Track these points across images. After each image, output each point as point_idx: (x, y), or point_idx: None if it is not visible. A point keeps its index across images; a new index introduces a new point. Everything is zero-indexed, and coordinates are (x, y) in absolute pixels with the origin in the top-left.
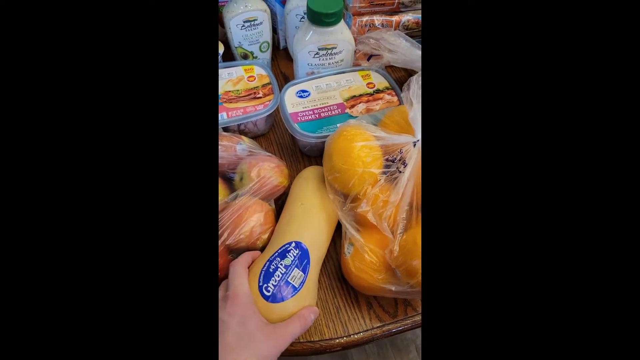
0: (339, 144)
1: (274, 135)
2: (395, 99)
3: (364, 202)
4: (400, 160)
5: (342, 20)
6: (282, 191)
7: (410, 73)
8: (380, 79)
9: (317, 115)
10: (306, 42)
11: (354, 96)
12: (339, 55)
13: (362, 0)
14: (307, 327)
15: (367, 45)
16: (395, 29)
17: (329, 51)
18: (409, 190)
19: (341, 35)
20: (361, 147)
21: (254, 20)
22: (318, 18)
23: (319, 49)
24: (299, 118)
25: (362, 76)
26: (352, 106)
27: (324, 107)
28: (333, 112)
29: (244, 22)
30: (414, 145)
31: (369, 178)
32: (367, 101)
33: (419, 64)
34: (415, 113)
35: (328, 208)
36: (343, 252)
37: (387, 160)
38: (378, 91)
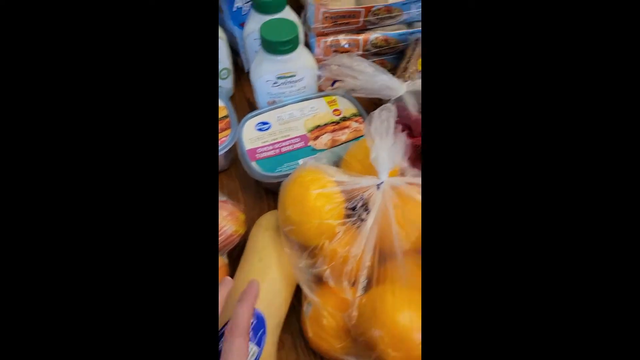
0: (293, 191)
1: (236, 170)
2: (363, 127)
3: (321, 259)
4: (362, 206)
5: (301, 45)
6: (237, 240)
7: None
8: (347, 104)
9: (277, 151)
10: (262, 72)
11: (319, 126)
12: (301, 83)
13: (324, 20)
14: None
15: (329, 70)
16: (363, 48)
17: (289, 79)
18: (372, 241)
19: (300, 62)
20: (318, 195)
21: None
22: (273, 47)
23: (278, 78)
24: (257, 155)
25: (327, 102)
26: (317, 137)
27: (285, 141)
28: (295, 146)
29: None
30: (378, 187)
31: (327, 231)
32: (333, 131)
33: (385, 92)
34: (377, 152)
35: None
36: (302, 310)
37: (347, 208)
38: (345, 119)
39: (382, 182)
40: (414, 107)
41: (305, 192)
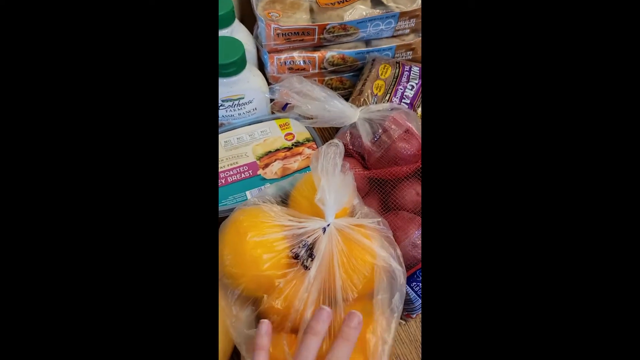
0: (230, 238)
1: None
2: None
3: (257, 320)
4: (307, 252)
5: (250, 64)
6: None
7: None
8: (300, 128)
9: (223, 181)
10: None
11: (270, 152)
12: (250, 105)
13: (277, 37)
14: None
15: (279, 94)
16: (319, 66)
17: (236, 102)
18: (314, 292)
19: (248, 84)
20: (255, 243)
21: None
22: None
23: (223, 101)
24: None
25: (279, 125)
26: (266, 165)
27: (232, 169)
28: (243, 176)
29: None
30: (324, 231)
31: (265, 284)
32: (285, 157)
33: (339, 120)
34: (323, 193)
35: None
36: None
37: (291, 255)
38: (297, 144)
39: (328, 225)
40: (367, 136)
41: (242, 240)
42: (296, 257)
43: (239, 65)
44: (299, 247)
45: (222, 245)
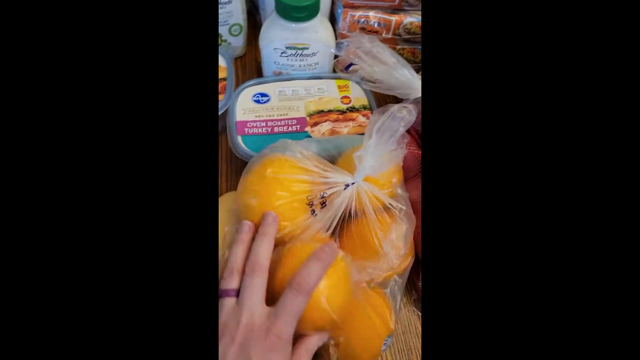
0: (253, 170)
1: (225, 140)
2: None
3: None
4: (321, 202)
5: (321, 15)
6: None
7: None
8: (359, 93)
9: (269, 129)
10: (272, 38)
11: (322, 111)
12: (313, 58)
13: None
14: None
15: (345, 51)
16: (393, 32)
17: (300, 51)
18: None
19: (316, 34)
20: (274, 179)
21: None
22: (286, 11)
23: (287, 48)
24: (246, 130)
25: (338, 86)
26: (316, 124)
27: (280, 120)
28: (290, 129)
29: None
30: (345, 187)
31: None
32: (336, 120)
33: (403, 90)
34: (365, 152)
35: None
36: None
37: (307, 202)
38: (352, 109)
39: (352, 183)
40: None
41: (262, 173)
42: (310, 204)
43: (310, 12)
44: (318, 195)
45: (244, 177)
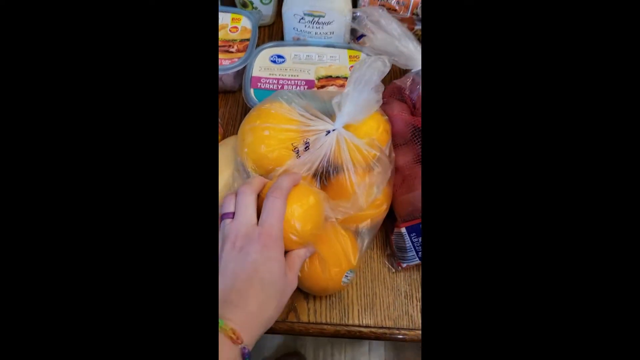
0: (248, 120)
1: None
2: None
3: None
4: (305, 147)
5: None
6: None
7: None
8: None
9: (279, 86)
10: (292, 4)
11: (330, 76)
12: (329, 26)
13: None
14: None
15: (356, 21)
16: (412, 11)
17: (316, 19)
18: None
19: (331, 3)
20: (262, 128)
21: None
22: None
23: (305, 14)
24: (259, 84)
25: (350, 56)
26: (322, 87)
27: (290, 80)
28: (297, 88)
29: None
30: (327, 134)
31: (265, 165)
32: (341, 86)
33: (405, 61)
34: (344, 98)
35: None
36: None
37: (292, 148)
38: None
39: (333, 130)
40: None
41: (253, 124)
42: (295, 149)
43: None
44: (302, 141)
45: (241, 126)
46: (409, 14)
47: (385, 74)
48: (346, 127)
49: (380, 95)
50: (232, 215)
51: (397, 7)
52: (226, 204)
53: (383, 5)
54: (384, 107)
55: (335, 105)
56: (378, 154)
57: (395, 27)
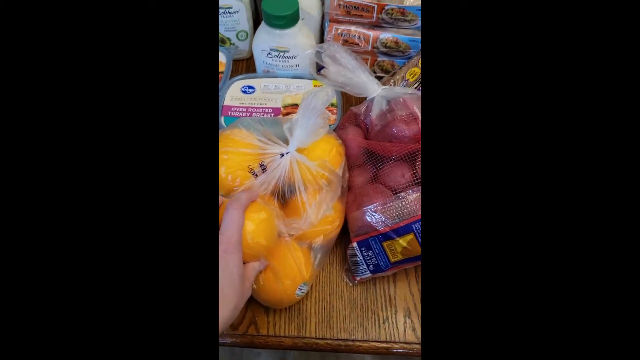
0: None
1: None
2: (334, 117)
3: None
4: (262, 169)
5: (301, 23)
6: None
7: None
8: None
9: (248, 114)
10: (259, 41)
11: (295, 104)
12: (294, 60)
13: (338, 7)
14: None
15: (317, 55)
16: (372, 45)
17: (281, 53)
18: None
19: (294, 40)
20: (222, 152)
21: (229, 8)
22: (269, 19)
23: (272, 50)
24: (230, 112)
25: (314, 86)
26: (287, 114)
27: (259, 108)
28: (265, 115)
29: (219, 7)
30: (281, 156)
31: (226, 186)
32: None
33: (359, 90)
34: (294, 124)
35: None
36: None
37: (249, 171)
38: None
39: (287, 153)
40: (377, 111)
41: (219, 146)
42: (252, 171)
43: (287, 21)
44: (258, 164)
45: None
46: (370, 48)
47: (329, 102)
48: (301, 150)
49: (326, 122)
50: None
51: (358, 42)
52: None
53: (346, 41)
54: (341, 132)
55: (287, 131)
56: (328, 174)
57: (349, 61)
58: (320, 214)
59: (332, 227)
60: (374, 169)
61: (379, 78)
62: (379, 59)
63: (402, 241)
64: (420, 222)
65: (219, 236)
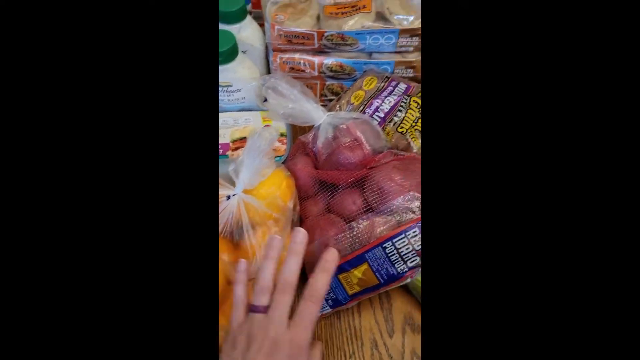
0: None
1: None
2: (284, 147)
3: None
4: None
5: (242, 56)
6: None
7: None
8: (280, 124)
9: None
10: None
11: (244, 137)
12: (239, 93)
13: (279, 38)
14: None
15: (262, 88)
16: (319, 70)
17: (225, 88)
18: None
19: (235, 74)
20: None
21: None
22: None
23: None
24: None
25: (263, 118)
26: (237, 148)
27: None
28: None
29: None
30: (228, 198)
31: None
32: None
33: (304, 119)
34: (240, 165)
35: None
36: None
37: None
38: None
39: (233, 195)
40: (323, 139)
41: None
42: None
43: (226, 57)
44: None
45: None
46: (317, 73)
47: (274, 141)
48: (247, 190)
49: (272, 161)
50: (264, 309)
51: (304, 69)
52: (258, 295)
53: (292, 68)
54: (290, 163)
55: (232, 173)
56: (275, 214)
57: (291, 91)
58: None
59: None
60: (326, 198)
61: (331, 100)
62: (327, 82)
63: (357, 272)
64: (373, 251)
65: (289, 332)
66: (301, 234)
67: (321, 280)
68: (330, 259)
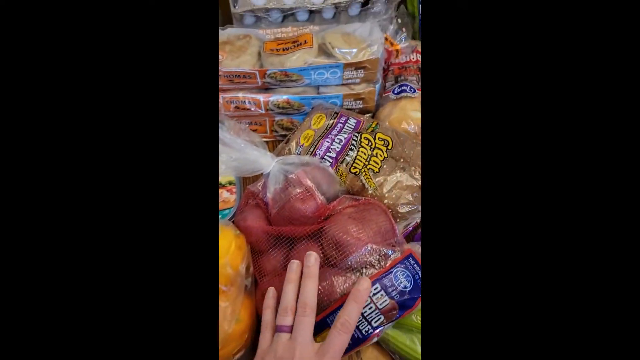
0: None
1: None
2: (233, 197)
3: None
4: None
5: None
6: None
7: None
8: (229, 171)
9: None
10: None
11: None
12: None
13: (220, 77)
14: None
15: None
16: (266, 108)
17: None
18: None
19: None
20: None
21: None
22: None
23: None
24: None
25: None
26: None
27: None
28: None
29: None
30: None
31: None
32: None
33: (253, 167)
34: None
35: None
36: None
37: None
38: (220, 185)
39: None
40: (272, 189)
41: None
42: None
43: None
44: None
45: None
46: (264, 110)
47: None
48: None
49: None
50: (289, 329)
51: (250, 107)
52: (282, 316)
53: (237, 107)
54: (239, 218)
55: None
56: (223, 287)
57: (236, 140)
58: (227, 329)
59: (242, 342)
60: (282, 254)
61: (283, 136)
62: (276, 118)
63: (320, 339)
64: (334, 314)
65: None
66: (312, 257)
67: (353, 311)
68: (362, 288)
